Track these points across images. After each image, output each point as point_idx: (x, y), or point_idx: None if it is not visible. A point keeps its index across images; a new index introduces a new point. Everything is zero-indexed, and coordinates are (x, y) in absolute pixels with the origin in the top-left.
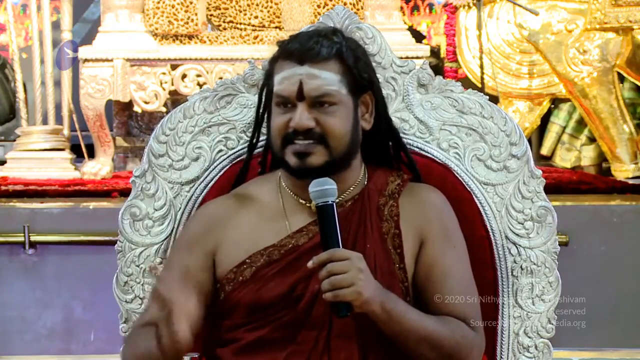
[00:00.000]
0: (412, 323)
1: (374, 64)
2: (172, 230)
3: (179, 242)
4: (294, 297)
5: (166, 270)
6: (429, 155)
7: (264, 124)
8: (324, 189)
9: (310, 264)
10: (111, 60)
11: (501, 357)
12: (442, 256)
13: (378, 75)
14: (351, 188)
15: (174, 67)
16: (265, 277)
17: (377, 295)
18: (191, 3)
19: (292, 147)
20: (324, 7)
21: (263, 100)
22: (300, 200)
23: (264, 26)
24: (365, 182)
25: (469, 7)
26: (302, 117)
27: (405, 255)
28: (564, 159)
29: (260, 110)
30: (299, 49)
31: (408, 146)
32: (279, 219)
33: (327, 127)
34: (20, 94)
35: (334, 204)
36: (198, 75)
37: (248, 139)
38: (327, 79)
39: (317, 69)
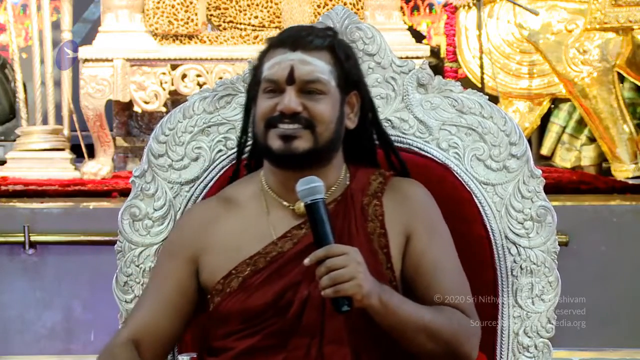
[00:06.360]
0: (408, 314)
1: (373, 64)
2: None
3: (164, 250)
4: (283, 304)
5: (151, 280)
6: (428, 155)
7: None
8: (312, 186)
9: (306, 261)
10: (111, 60)
11: (501, 356)
12: (429, 249)
13: (377, 75)
14: (333, 188)
15: (174, 67)
16: (252, 286)
17: (375, 288)
18: (191, 3)
19: (277, 130)
20: (324, 7)
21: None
22: (284, 203)
23: (264, 26)
24: (347, 182)
25: (469, 7)
26: (290, 100)
27: (392, 254)
28: (564, 159)
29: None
30: (291, 36)
31: (407, 146)
32: (263, 224)
33: (314, 112)
34: (20, 94)
35: (323, 200)
36: (198, 75)
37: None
38: (318, 66)
39: (309, 56)
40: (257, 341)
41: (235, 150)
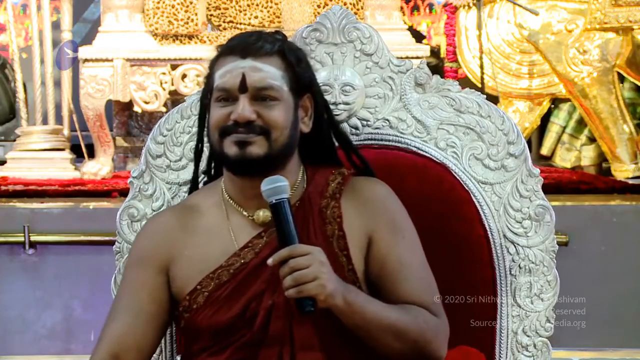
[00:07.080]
0: (374, 314)
1: (371, 64)
2: None
3: (132, 261)
4: (249, 316)
5: (121, 292)
6: (426, 154)
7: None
8: (277, 186)
9: (270, 261)
10: (111, 60)
11: (500, 356)
12: (393, 249)
13: (375, 75)
14: (290, 193)
15: (174, 67)
16: (217, 301)
17: (339, 288)
18: (191, 3)
19: (232, 137)
20: (323, 7)
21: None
22: (244, 213)
23: (264, 26)
24: (305, 185)
25: (469, 7)
26: (244, 108)
27: (353, 256)
28: (564, 159)
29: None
30: (241, 43)
31: (405, 146)
32: (225, 234)
33: (268, 119)
34: (20, 94)
35: (288, 199)
36: (198, 75)
37: None
38: (270, 72)
39: (260, 63)
40: (229, 356)
41: None
